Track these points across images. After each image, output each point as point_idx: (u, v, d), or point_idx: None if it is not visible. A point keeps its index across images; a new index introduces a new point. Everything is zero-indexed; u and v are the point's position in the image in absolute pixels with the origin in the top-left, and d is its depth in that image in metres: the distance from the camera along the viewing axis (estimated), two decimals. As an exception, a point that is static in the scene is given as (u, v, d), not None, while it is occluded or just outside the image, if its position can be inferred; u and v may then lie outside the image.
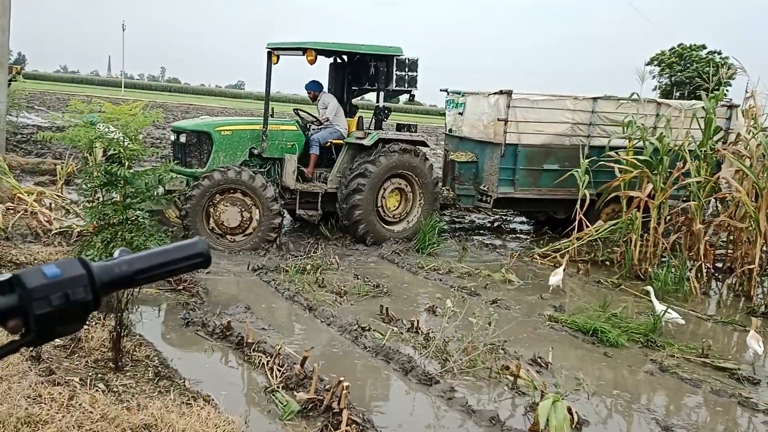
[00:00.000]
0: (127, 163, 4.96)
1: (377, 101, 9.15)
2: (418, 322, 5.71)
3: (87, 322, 4.59)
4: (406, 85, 8.86)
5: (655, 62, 52.52)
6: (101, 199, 5.02)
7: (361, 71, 9.46)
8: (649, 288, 6.69)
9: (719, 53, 49.41)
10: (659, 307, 6.30)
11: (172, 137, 9.02)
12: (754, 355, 5.63)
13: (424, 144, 9.36)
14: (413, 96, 9.22)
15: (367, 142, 8.78)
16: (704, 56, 49.50)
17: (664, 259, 8.34)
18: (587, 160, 9.09)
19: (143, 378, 4.17)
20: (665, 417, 4.54)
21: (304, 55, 8.37)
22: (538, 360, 5.24)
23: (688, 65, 49.87)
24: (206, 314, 5.64)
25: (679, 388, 5.11)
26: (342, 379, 4.01)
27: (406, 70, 8.78)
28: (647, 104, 9.73)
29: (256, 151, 8.57)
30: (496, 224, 11.64)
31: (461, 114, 10.40)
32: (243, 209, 8.05)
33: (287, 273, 7.09)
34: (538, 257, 8.87)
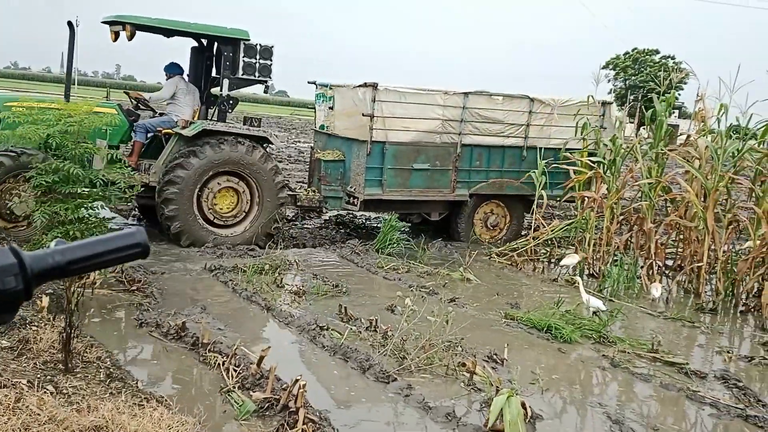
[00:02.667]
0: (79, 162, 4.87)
1: (220, 90, 8.31)
2: (376, 321, 5.72)
3: (35, 323, 4.48)
4: (257, 74, 8.14)
5: (611, 66, 53.71)
6: (52, 198, 4.89)
7: (219, 57, 8.64)
8: (578, 278, 7.15)
9: (672, 58, 50.81)
10: (585, 296, 6.62)
11: None
12: (652, 299, 7.31)
13: (266, 141, 8.50)
14: (268, 87, 8.52)
15: (187, 132, 7.96)
16: (657, 61, 50.81)
17: (616, 258, 8.54)
18: (544, 161, 9.20)
19: (94, 380, 4.09)
20: (617, 411, 4.65)
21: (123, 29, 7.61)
22: (494, 356, 5.31)
23: (642, 69, 51.12)
24: (160, 315, 5.54)
25: (630, 382, 5.24)
26: (299, 377, 4.00)
27: (257, 57, 8.10)
28: (519, 100, 9.46)
29: None
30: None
31: (331, 108, 9.89)
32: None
33: (245, 273, 7.03)
34: (495, 256, 8.98)
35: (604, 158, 8.97)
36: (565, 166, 9.20)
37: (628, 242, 9.03)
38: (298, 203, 8.98)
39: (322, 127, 10.19)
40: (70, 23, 7.75)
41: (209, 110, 8.84)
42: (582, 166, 9.15)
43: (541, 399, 4.70)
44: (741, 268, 7.91)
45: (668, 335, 6.49)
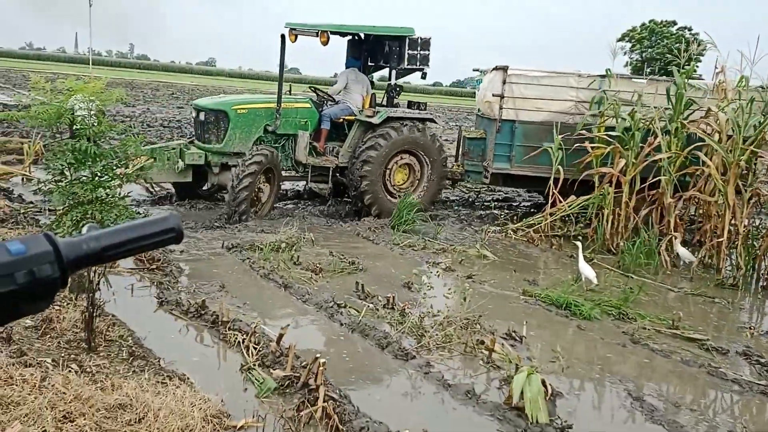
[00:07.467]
0: (94, 141, 4.86)
1: (389, 79, 9.65)
2: (394, 298, 5.72)
3: (57, 303, 4.53)
4: (418, 63, 9.26)
5: (627, 38, 52.83)
6: (69, 178, 4.90)
7: (376, 48, 9.90)
8: (578, 243, 7.09)
9: (689, 29, 49.89)
10: (581, 265, 6.76)
11: (193, 114, 9.53)
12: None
13: (431, 121, 9.68)
14: (425, 74, 9.51)
15: (375, 120, 9.17)
16: (674, 32, 49.91)
17: (635, 234, 8.44)
18: (560, 136, 9.08)
19: (117, 358, 4.13)
20: (637, 387, 4.63)
21: (317, 36, 8.69)
22: (513, 334, 5.30)
23: (659, 41, 50.24)
24: (180, 293, 5.58)
25: (650, 359, 5.21)
26: (318, 355, 4.01)
27: (418, 49, 9.16)
28: (666, 83, 9.27)
29: (270, 128, 9.03)
30: (471, 200, 11.68)
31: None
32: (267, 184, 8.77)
33: (262, 251, 7.04)
34: (512, 233, 8.93)
35: (622, 133, 8.84)
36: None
37: (647, 217, 8.93)
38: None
39: (479, 109, 10.96)
40: (282, 36, 8.74)
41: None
42: (599, 142, 9.03)
43: (561, 376, 4.69)
44: (762, 243, 7.81)
45: (688, 311, 6.44)
